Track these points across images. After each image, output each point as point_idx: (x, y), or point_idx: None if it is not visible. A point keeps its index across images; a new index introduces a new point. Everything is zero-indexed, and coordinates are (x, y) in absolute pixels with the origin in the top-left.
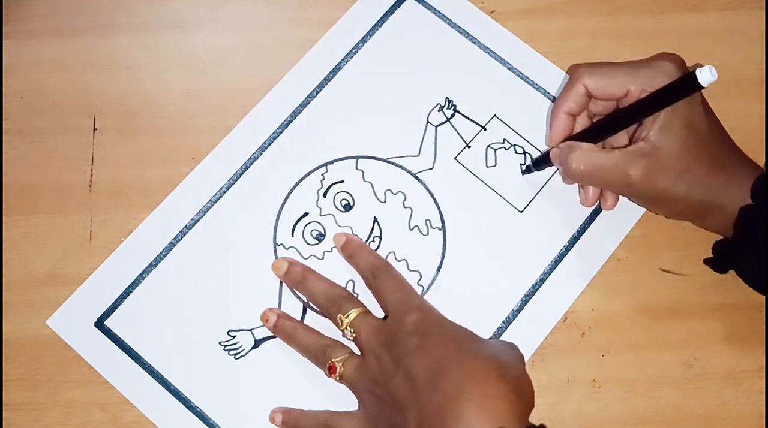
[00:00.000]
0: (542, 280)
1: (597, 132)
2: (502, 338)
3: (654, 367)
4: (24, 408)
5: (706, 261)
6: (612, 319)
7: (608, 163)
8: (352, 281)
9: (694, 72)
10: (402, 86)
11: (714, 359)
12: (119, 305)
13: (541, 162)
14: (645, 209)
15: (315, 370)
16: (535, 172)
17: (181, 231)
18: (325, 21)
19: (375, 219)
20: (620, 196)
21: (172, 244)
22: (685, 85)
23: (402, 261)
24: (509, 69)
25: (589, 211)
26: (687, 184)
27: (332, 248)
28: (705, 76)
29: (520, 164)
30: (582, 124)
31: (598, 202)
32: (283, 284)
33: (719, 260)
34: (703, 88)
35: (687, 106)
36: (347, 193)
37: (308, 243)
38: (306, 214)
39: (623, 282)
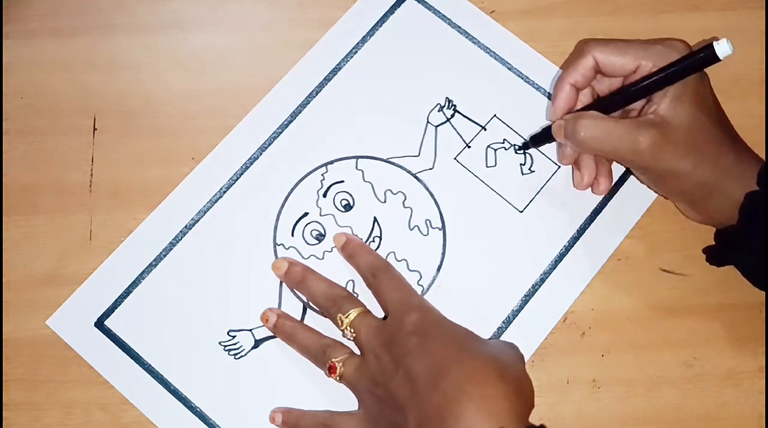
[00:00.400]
0: (542, 280)
1: (606, 104)
2: (502, 338)
3: (654, 367)
4: (24, 408)
5: (706, 250)
6: (612, 319)
7: (617, 130)
8: (352, 281)
9: (711, 44)
10: (402, 86)
11: (714, 359)
12: (119, 305)
13: (541, 138)
14: (645, 209)
15: (315, 370)
16: (531, 152)
17: (181, 231)
18: (325, 21)
19: (375, 220)
20: (618, 193)
21: (172, 244)
22: (701, 57)
23: (402, 261)
24: (509, 69)
25: (589, 211)
26: (694, 160)
27: (332, 248)
28: (723, 48)
29: (520, 164)
30: (584, 101)
31: (591, 185)
32: (283, 284)
33: (721, 249)
34: (719, 60)
35: (697, 83)
36: (347, 193)
37: (308, 243)
38: (306, 214)
39: (623, 282)
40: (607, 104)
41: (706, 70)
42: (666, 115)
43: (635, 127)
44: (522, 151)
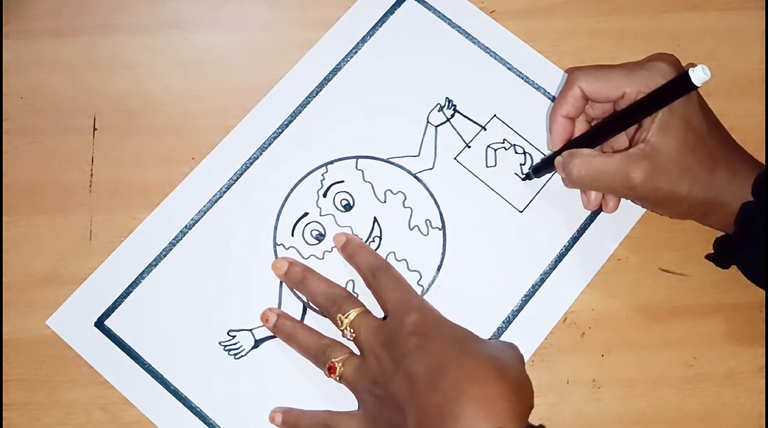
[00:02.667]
0: (542, 280)
1: (597, 135)
2: (502, 338)
3: (654, 367)
4: (24, 408)
5: (708, 257)
6: (612, 319)
7: (609, 167)
8: (352, 281)
9: (687, 72)
10: (402, 86)
11: (714, 359)
12: (119, 305)
13: (542, 168)
14: (645, 209)
15: (315, 370)
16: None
17: (181, 231)
18: (325, 21)
19: (375, 220)
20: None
21: (172, 244)
22: (679, 85)
23: (402, 261)
24: (509, 69)
25: (589, 211)
26: (689, 183)
27: (332, 248)
28: (698, 75)
29: (520, 164)
30: (580, 128)
31: (600, 205)
32: (283, 284)
33: (720, 256)
34: (697, 87)
35: (684, 106)
36: (347, 193)
37: (308, 243)
38: (306, 214)
39: (623, 282)
40: (597, 135)
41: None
42: (655, 143)
43: (626, 162)
44: (526, 180)
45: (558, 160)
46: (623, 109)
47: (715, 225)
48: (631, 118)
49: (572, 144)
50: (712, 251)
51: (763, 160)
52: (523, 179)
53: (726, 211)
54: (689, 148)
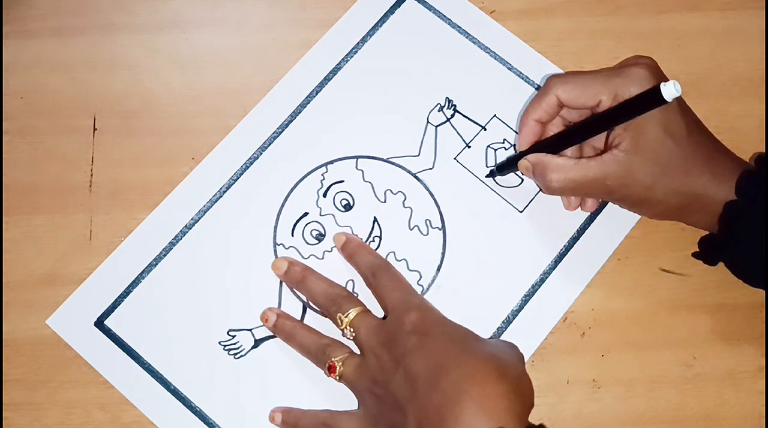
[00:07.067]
0: (542, 280)
1: (566, 140)
2: (502, 338)
3: (654, 367)
4: (24, 408)
5: (695, 255)
6: (612, 319)
7: (585, 176)
8: (352, 281)
9: (658, 86)
10: (402, 86)
11: (714, 359)
12: (119, 305)
13: (506, 167)
14: None
15: (315, 370)
16: (499, 176)
17: (181, 231)
18: (325, 21)
19: (375, 219)
20: None
21: (172, 244)
22: (651, 98)
23: (402, 261)
24: (509, 69)
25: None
26: (664, 188)
27: (332, 248)
28: (669, 90)
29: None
30: (554, 130)
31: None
32: (283, 284)
33: (706, 255)
34: (667, 102)
35: (661, 110)
36: (347, 192)
37: (308, 243)
38: (306, 214)
39: (623, 282)
40: (567, 140)
41: (705, 69)
42: (629, 149)
43: (600, 170)
44: (489, 176)
45: (523, 162)
46: (594, 116)
47: (698, 225)
48: (603, 126)
49: (540, 145)
50: (698, 248)
51: (747, 159)
52: (487, 176)
53: (707, 212)
54: (664, 153)
